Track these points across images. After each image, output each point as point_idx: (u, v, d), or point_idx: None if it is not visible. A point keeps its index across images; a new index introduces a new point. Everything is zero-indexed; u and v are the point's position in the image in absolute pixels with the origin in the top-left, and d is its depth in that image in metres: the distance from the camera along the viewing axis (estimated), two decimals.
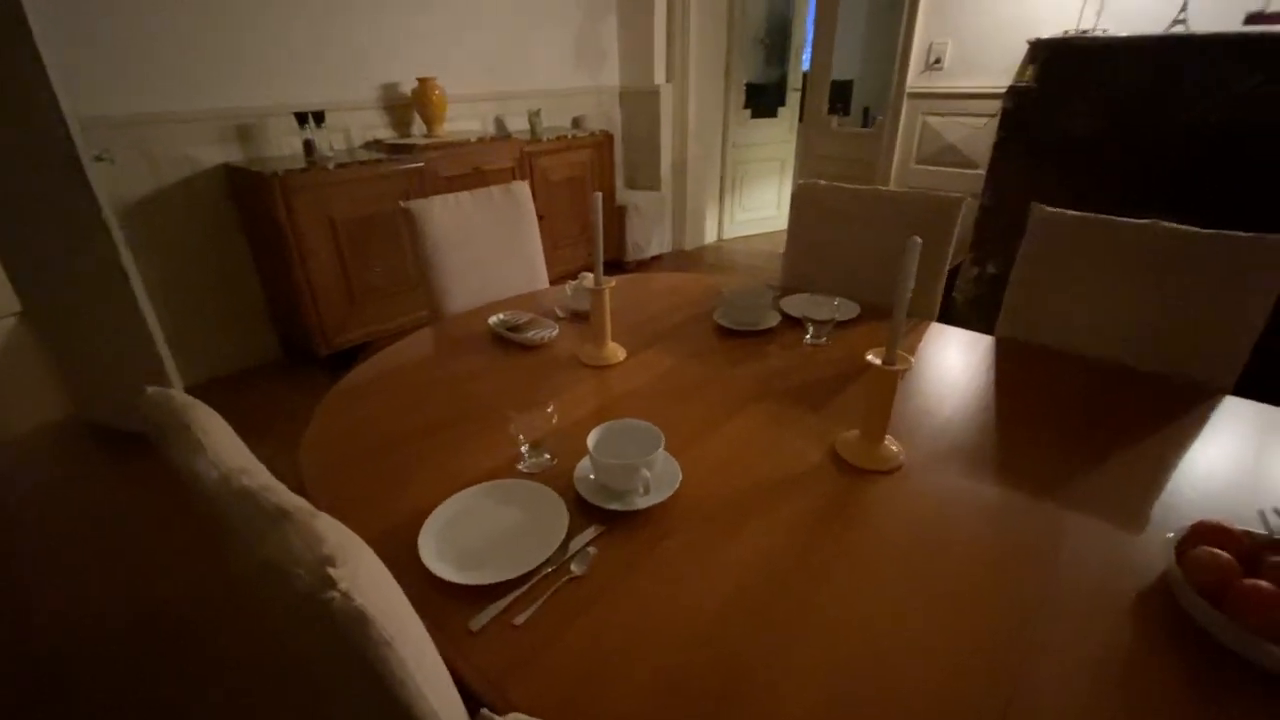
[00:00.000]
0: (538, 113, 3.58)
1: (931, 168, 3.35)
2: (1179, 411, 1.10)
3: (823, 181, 1.65)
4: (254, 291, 2.86)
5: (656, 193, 4.28)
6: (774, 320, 1.45)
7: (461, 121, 3.43)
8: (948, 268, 1.52)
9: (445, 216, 1.60)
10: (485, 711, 0.34)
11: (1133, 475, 0.94)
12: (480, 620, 0.70)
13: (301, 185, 2.46)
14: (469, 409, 1.14)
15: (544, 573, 0.76)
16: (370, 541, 0.49)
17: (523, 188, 1.78)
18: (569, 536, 0.81)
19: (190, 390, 2.34)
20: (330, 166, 2.55)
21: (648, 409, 1.13)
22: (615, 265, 4.13)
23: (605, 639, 0.69)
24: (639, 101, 4.20)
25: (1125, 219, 1.27)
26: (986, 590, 0.75)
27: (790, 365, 1.29)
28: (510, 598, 0.73)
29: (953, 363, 1.30)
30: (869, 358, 0.94)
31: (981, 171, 3.18)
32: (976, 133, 3.13)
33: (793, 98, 4.70)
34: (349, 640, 0.42)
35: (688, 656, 0.66)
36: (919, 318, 1.51)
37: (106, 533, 1.92)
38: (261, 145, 2.72)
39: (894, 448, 0.98)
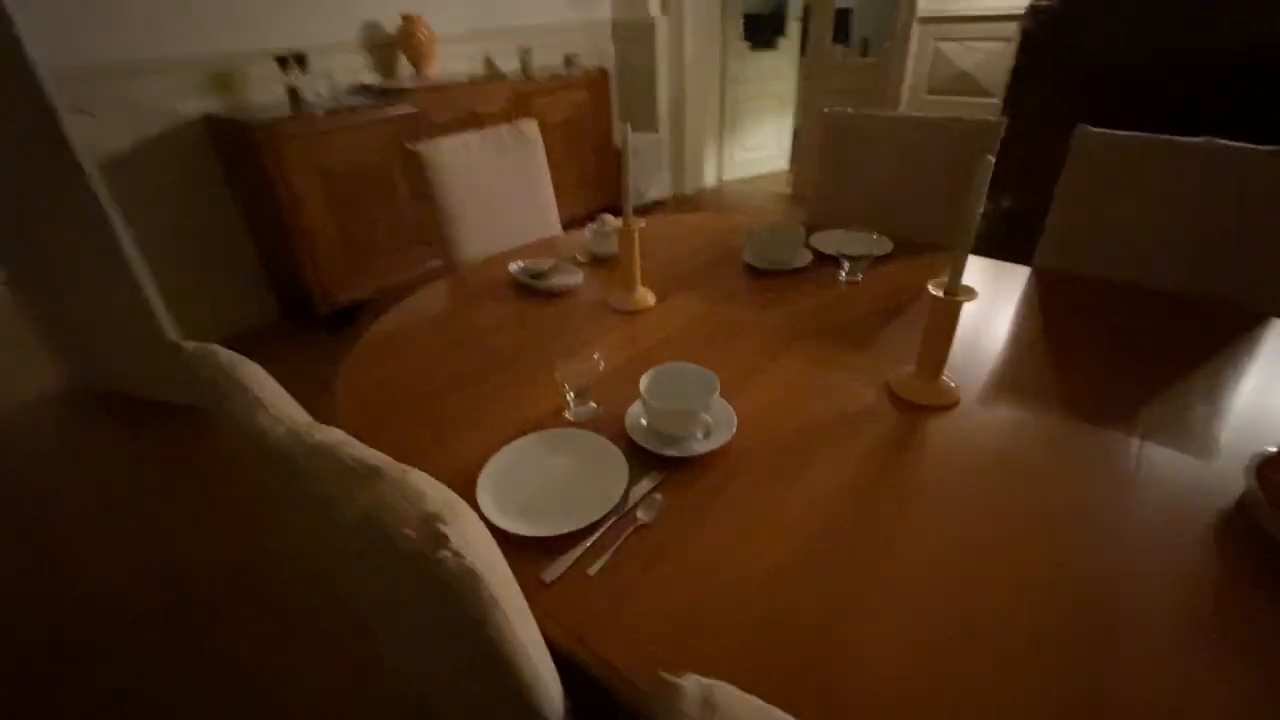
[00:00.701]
0: (529, 51, 3.40)
1: (944, 97, 3.23)
2: (1231, 336, 1.08)
3: (851, 109, 1.57)
4: (247, 250, 2.76)
5: (654, 134, 4.13)
6: (806, 259, 1.40)
7: (449, 63, 3.25)
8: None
9: (455, 159, 1.52)
10: (662, 673, 0.31)
11: (1194, 402, 0.92)
12: (554, 572, 0.68)
13: (290, 135, 2.33)
14: (502, 360, 1.09)
15: (610, 521, 0.74)
16: None
17: (532, 126, 1.69)
18: (629, 484, 0.78)
19: None
20: (319, 114, 2.41)
21: (686, 354, 1.09)
22: (615, 211, 4.01)
23: (683, 588, 0.66)
24: (632, 35, 3.99)
25: (1177, 138, 1.22)
26: (1062, 521, 0.73)
27: (828, 304, 1.25)
28: (581, 548, 0.71)
29: (995, 294, 1.26)
30: (930, 288, 0.90)
31: (997, 100, 3.07)
32: (992, 58, 3.00)
33: (793, 28, 4.49)
34: (462, 600, 0.39)
35: (771, 605, 0.64)
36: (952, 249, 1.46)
37: (120, 504, 1.89)
38: (244, 93, 2.57)
39: (951, 383, 0.95)
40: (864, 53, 4.22)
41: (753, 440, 0.87)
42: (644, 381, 0.86)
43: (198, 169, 2.52)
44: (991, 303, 1.23)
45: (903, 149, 1.52)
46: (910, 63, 3.24)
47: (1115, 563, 0.67)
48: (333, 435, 0.48)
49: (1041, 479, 0.79)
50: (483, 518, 0.72)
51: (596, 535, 0.72)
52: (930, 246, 1.47)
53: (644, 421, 0.89)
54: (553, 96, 3.35)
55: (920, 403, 0.93)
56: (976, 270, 1.37)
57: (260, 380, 0.55)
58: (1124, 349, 1.06)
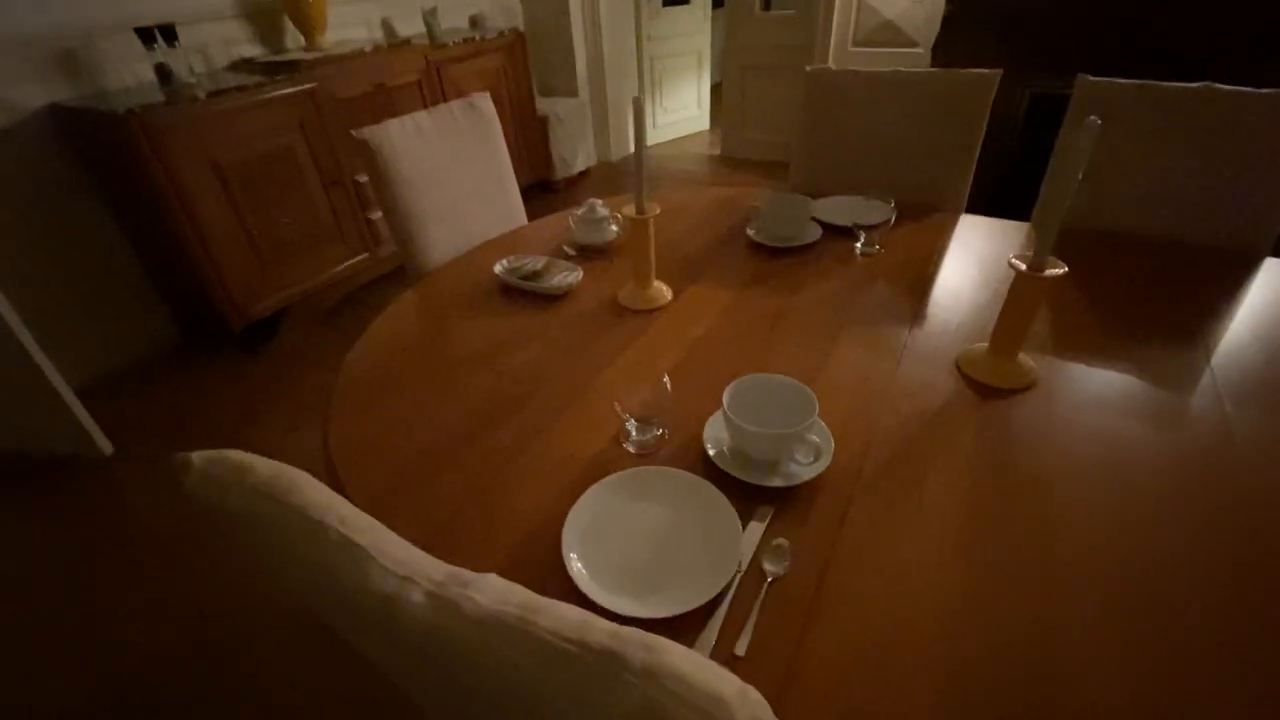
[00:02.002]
0: (433, 11, 3.06)
1: (870, 49, 3.21)
2: (1241, 282, 1.09)
3: (835, 67, 1.47)
4: (128, 264, 2.34)
5: (575, 99, 3.89)
6: (817, 233, 1.30)
7: (344, 29, 2.87)
8: (978, 154, 1.42)
9: (407, 145, 1.29)
10: None
11: (1257, 355, 0.91)
12: None
13: (168, 123, 1.96)
14: (524, 385, 0.94)
15: (736, 581, 0.63)
16: (503, 571, 0.33)
17: (485, 99, 1.48)
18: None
19: (80, 396, 1.92)
20: (200, 96, 2.04)
21: (732, 355, 0.98)
22: (542, 186, 3.78)
23: (851, 650, 0.57)
24: None
25: (1176, 83, 1.21)
26: (1198, 493, 0.69)
27: (856, 281, 1.17)
28: (716, 624, 0.59)
29: (996, 252, 1.22)
30: (1013, 262, 0.83)
31: (922, 50, 3.09)
32: (915, 6, 3.00)
33: None
34: None
35: (958, 646, 0.56)
36: (946, 210, 1.42)
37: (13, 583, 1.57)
38: (98, 76, 2.13)
39: (1029, 361, 0.90)
40: (766, 5, 4.13)
41: (849, 450, 0.78)
42: (727, 400, 0.74)
43: (49, 173, 2.08)
44: (1003, 262, 1.19)
45: (892, 107, 1.45)
46: (837, 14, 3.19)
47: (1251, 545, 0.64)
48: (490, 587, 0.33)
49: (1153, 458, 0.75)
50: (591, 604, 0.59)
51: (727, 603, 0.61)
52: (928, 208, 1.42)
53: (725, 448, 0.77)
54: (467, 63, 3.04)
55: (1000, 385, 0.87)
56: (977, 231, 1.33)
57: (337, 508, 0.38)
58: (1159, 300, 1.05)
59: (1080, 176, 0.74)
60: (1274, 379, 0.86)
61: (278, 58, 2.50)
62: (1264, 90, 1.14)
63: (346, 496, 0.75)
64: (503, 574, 0.63)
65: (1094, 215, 1.30)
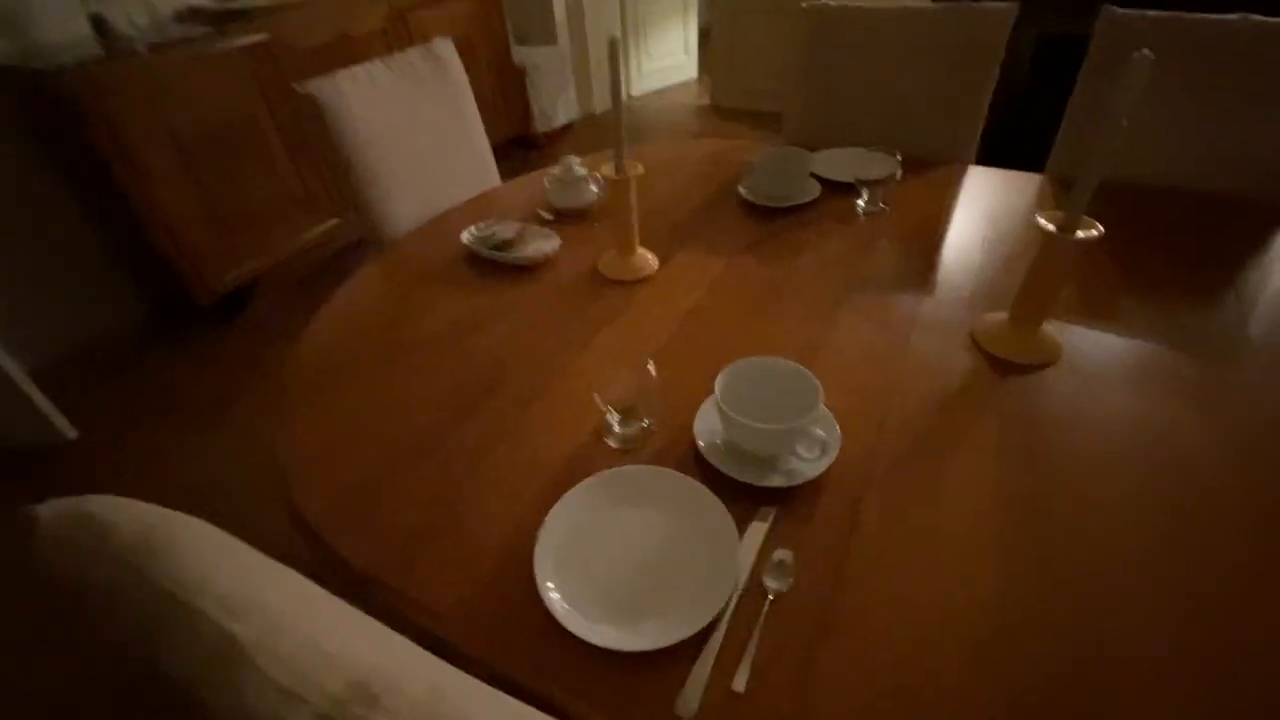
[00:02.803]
0: None
1: None
2: (1271, 238, 1.01)
3: (835, 2, 1.34)
4: (89, 239, 2.20)
5: (554, 47, 3.67)
6: (815, 190, 1.20)
7: None
8: (989, 99, 1.30)
9: (361, 101, 1.16)
10: None
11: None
12: (690, 701, 0.49)
13: (112, 82, 1.79)
14: (496, 371, 0.84)
15: (733, 602, 0.55)
16: (472, 599, 0.25)
17: (447, 45, 1.34)
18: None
19: (38, 379, 1.81)
20: (141, 49, 1.87)
21: (721, 332, 0.88)
22: (522, 142, 3.59)
23: (866, 680, 0.49)
24: None
25: (1209, 15, 1.09)
26: (1243, 467, 0.61)
27: (858, 243, 1.07)
28: (711, 656, 0.51)
29: (1014, 210, 1.12)
30: (1040, 222, 0.73)
31: None
32: None
33: None
34: None
35: (991, 666, 0.49)
36: (954, 162, 1.31)
37: None
38: (27, 30, 1.94)
39: (1054, 334, 0.81)
40: None
41: (858, 440, 0.70)
42: (720, 390, 0.66)
43: None
44: (1019, 220, 1.09)
45: (896, 47, 1.32)
46: None
47: None
48: (409, 702, 0.25)
49: (1197, 434, 0.67)
50: (571, 636, 0.51)
51: (723, 629, 0.53)
52: (934, 160, 1.30)
53: (719, 441, 0.69)
54: (436, 8, 2.83)
55: (1021, 361, 0.79)
56: (989, 183, 1.22)
57: (219, 581, 0.29)
58: (1190, 259, 0.96)
59: (1124, 123, 0.63)
60: None
61: (228, 5, 2.30)
62: None
63: (295, 512, 0.67)
64: (472, 601, 0.56)
65: (1114, 165, 1.19)
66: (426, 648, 0.35)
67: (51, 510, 0.32)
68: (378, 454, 0.73)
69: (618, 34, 4.06)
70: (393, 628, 0.35)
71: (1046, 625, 0.52)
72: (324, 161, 2.44)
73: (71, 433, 1.82)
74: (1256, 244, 0.99)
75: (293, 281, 2.52)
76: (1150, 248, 0.99)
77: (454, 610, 0.56)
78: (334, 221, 2.54)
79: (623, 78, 3.95)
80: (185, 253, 2.08)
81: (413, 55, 1.27)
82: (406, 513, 0.66)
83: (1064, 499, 0.62)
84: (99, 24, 1.92)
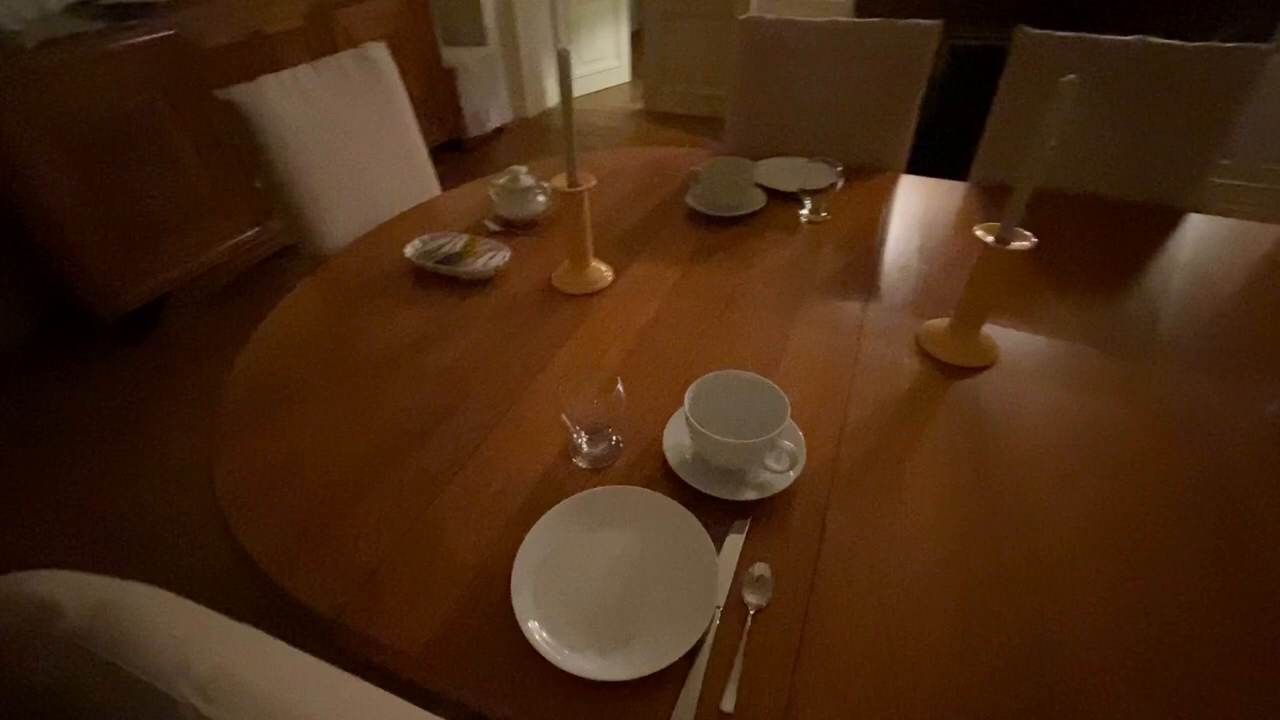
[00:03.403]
0: None
1: None
2: (1175, 239, 1.11)
3: (770, 15, 1.37)
4: None
5: (484, 49, 3.59)
6: (761, 200, 1.22)
7: None
8: (918, 107, 1.36)
9: (289, 106, 1.09)
10: None
11: (1227, 320, 0.91)
12: None
13: None
14: (451, 393, 0.81)
15: (715, 622, 0.55)
16: (446, 637, 0.24)
17: (380, 50, 1.28)
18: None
19: None
20: (29, 46, 1.70)
21: (681, 343, 0.89)
22: (454, 146, 3.49)
23: (852, 687, 0.51)
24: None
25: (1113, 37, 1.18)
26: (1180, 466, 0.67)
27: (804, 252, 1.10)
28: (699, 676, 0.51)
29: (941, 215, 1.19)
30: (978, 234, 0.77)
31: None
32: None
33: None
34: None
35: (963, 671, 0.51)
36: (885, 170, 1.37)
37: None
38: None
39: (991, 337, 0.86)
40: None
41: (820, 449, 0.71)
42: (690, 406, 0.66)
43: None
44: (952, 227, 1.15)
45: (829, 60, 1.36)
46: None
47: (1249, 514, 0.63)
48: None
49: (1123, 423, 0.73)
50: (554, 669, 0.50)
51: (708, 649, 0.53)
52: (869, 168, 1.36)
53: (688, 457, 0.69)
54: (359, 6, 2.71)
55: (964, 364, 0.83)
56: (919, 191, 1.29)
57: (199, 660, 0.27)
58: (1096, 261, 1.04)
59: (1053, 142, 0.68)
60: (1222, 338, 0.87)
61: None
62: (1194, 44, 1.13)
63: (244, 551, 0.63)
64: (446, 638, 0.54)
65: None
66: (400, 691, 0.33)
67: None
68: (327, 484, 0.69)
69: (549, 35, 4.03)
70: (358, 672, 0.33)
71: (1007, 622, 0.55)
72: (240, 168, 2.30)
73: None
74: (1157, 247, 1.09)
75: (208, 295, 2.35)
76: (1066, 252, 1.07)
77: (428, 651, 0.54)
78: (253, 231, 2.38)
79: (552, 81, 3.89)
80: (84, 266, 1.90)
81: (343, 59, 1.21)
82: (364, 547, 0.63)
83: (1012, 491, 0.66)
84: None
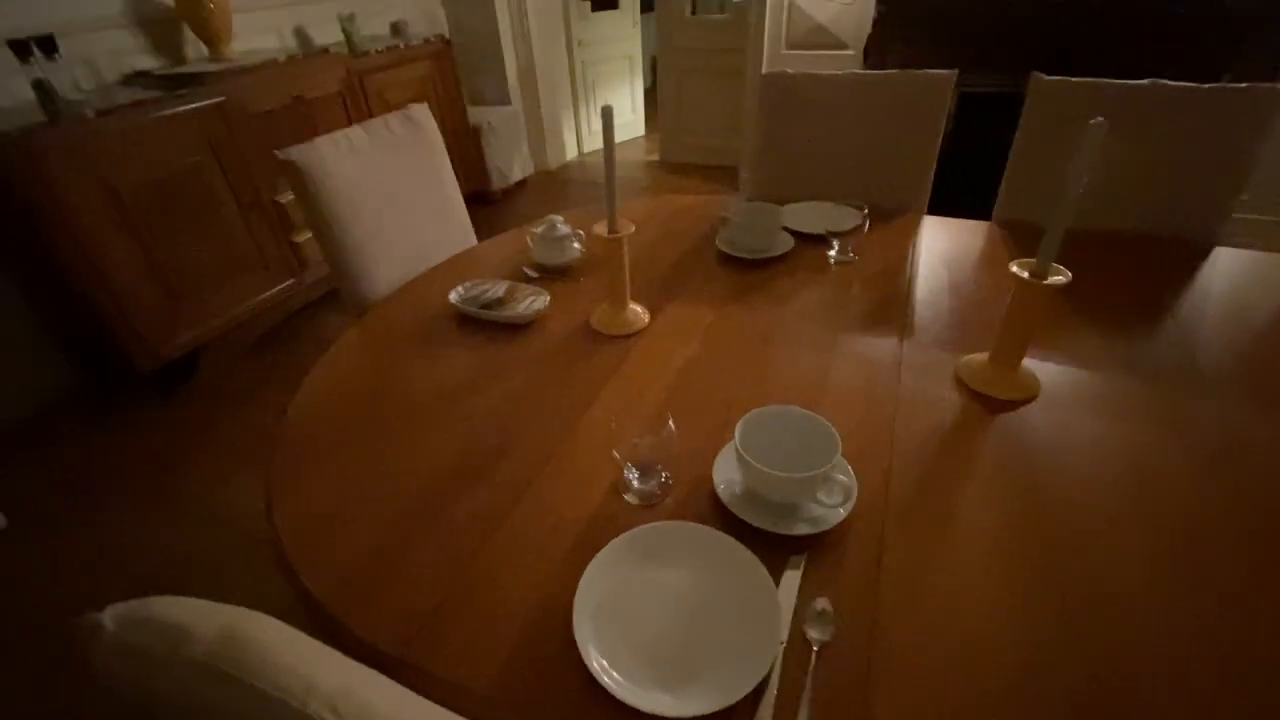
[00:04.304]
0: (351, 18, 2.87)
1: (802, 52, 3.23)
2: (1202, 272, 1.12)
3: (790, 70, 1.44)
4: (11, 307, 2.06)
5: (508, 107, 3.76)
6: (789, 243, 1.25)
7: (253, 38, 2.65)
8: (938, 152, 1.41)
9: (342, 166, 1.16)
10: None
11: (1266, 350, 0.91)
12: None
13: (53, 146, 1.73)
14: (501, 434, 0.83)
15: (778, 656, 0.55)
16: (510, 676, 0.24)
17: (422, 110, 1.36)
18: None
19: None
20: (88, 114, 1.81)
21: (723, 381, 0.90)
22: (479, 198, 3.62)
23: (923, 716, 0.50)
24: None
25: (1126, 81, 1.22)
26: (1215, 499, 0.66)
27: (835, 290, 1.12)
28: (767, 714, 0.51)
29: (969, 253, 1.21)
30: (1014, 270, 0.79)
31: (853, 52, 3.14)
32: (846, 10, 3.04)
33: None
34: None
35: (1032, 705, 0.50)
36: (907, 212, 1.40)
37: None
38: None
39: (1033, 371, 0.87)
40: (709, 10, 4.14)
41: (870, 482, 0.72)
42: (740, 441, 0.67)
43: None
44: (980, 264, 1.17)
45: (850, 109, 1.42)
46: (769, 18, 3.20)
47: None
48: None
49: (1170, 456, 0.73)
50: (620, 704, 0.50)
51: (775, 685, 0.53)
52: (890, 211, 1.39)
53: (738, 490, 0.70)
54: (392, 72, 2.87)
55: (1006, 397, 0.84)
56: (944, 231, 1.31)
57: (323, 677, 0.28)
58: (1128, 294, 1.05)
59: (1085, 180, 0.70)
60: (1262, 368, 0.87)
61: (179, 70, 2.28)
62: (1207, 85, 1.17)
63: (306, 591, 0.64)
64: (509, 673, 0.54)
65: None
66: None
67: (117, 617, 0.30)
68: (383, 525, 0.71)
69: (568, 94, 4.21)
70: None
71: (1073, 650, 0.54)
72: (279, 222, 2.40)
73: (1, 520, 1.66)
74: (1187, 280, 1.10)
75: (243, 346, 2.42)
76: (1099, 286, 1.08)
77: (493, 689, 0.54)
78: (288, 283, 2.47)
79: (581, 137, 4.06)
80: (129, 318, 1.98)
81: (391, 120, 1.28)
82: (423, 586, 0.64)
83: (1066, 523, 0.66)
84: (41, 89, 1.86)
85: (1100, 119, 0.67)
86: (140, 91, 2.05)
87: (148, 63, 2.33)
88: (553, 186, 4.00)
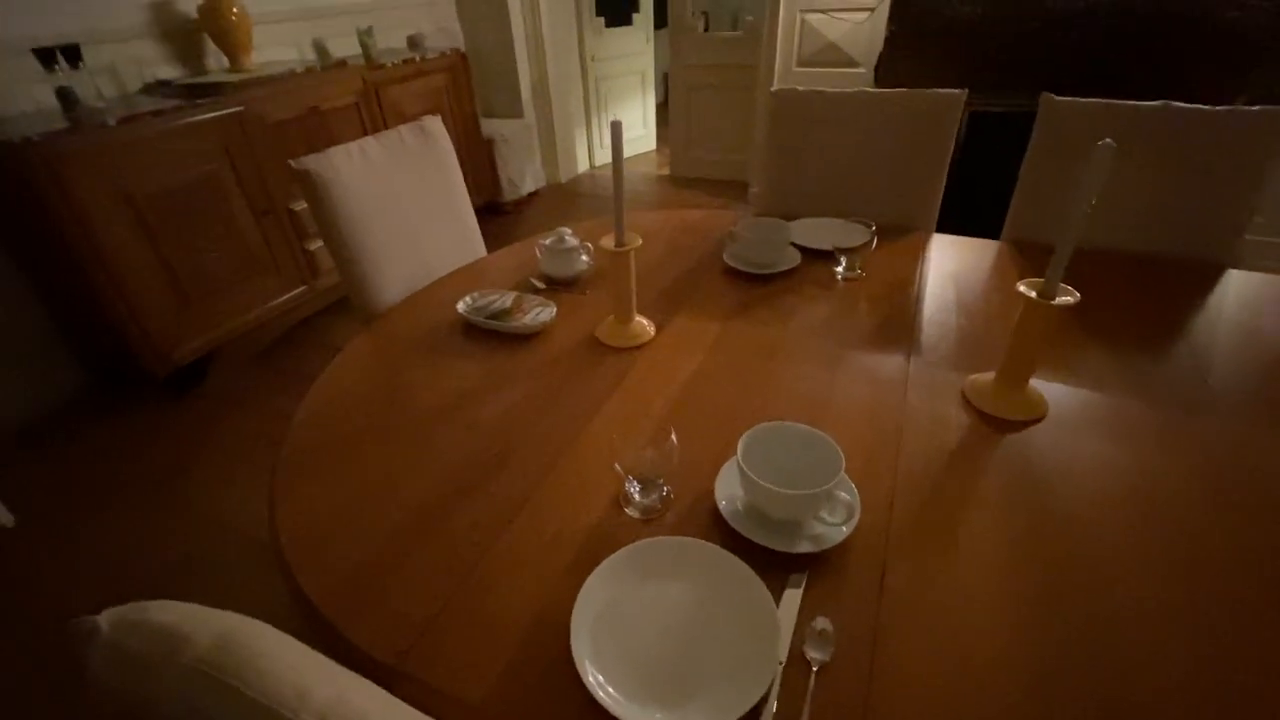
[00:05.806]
0: (369, 31, 2.92)
1: (814, 69, 3.26)
2: (1213, 293, 1.11)
3: (800, 87, 1.44)
4: (27, 309, 2.09)
5: (521, 120, 3.80)
6: (796, 258, 1.25)
7: (272, 49, 2.70)
8: (946, 171, 1.41)
9: (354, 176, 1.17)
10: None
11: (1248, 365, 0.90)
12: None
13: (73, 152, 1.76)
14: (503, 444, 0.83)
15: (778, 676, 0.54)
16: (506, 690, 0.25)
17: (435, 122, 1.37)
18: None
19: None
20: (109, 122, 1.85)
21: (727, 395, 0.90)
22: (491, 209, 3.65)
23: None
24: (482, 12, 3.61)
25: (1136, 102, 1.22)
26: (1231, 510, 0.65)
27: (842, 307, 1.12)
28: None
29: (977, 272, 1.21)
30: (1022, 289, 0.79)
31: (863, 70, 3.15)
32: (857, 28, 3.06)
33: (646, 2, 4.34)
34: None
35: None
36: (915, 230, 1.40)
37: None
38: None
39: (1039, 391, 0.86)
40: (720, 27, 4.18)
41: (873, 501, 0.71)
42: (743, 457, 0.67)
43: None
44: (988, 283, 1.17)
45: (859, 127, 1.42)
46: (780, 35, 3.22)
47: None
48: None
49: (1177, 480, 0.71)
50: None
51: (774, 704, 0.52)
52: (899, 228, 1.39)
53: (740, 506, 0.69)
54: (407, 84, 2.91)
55: (1012, 417, 0.83)
56: (953, 250, 1.31)
57: (318, 686, 0.28)
58: (1137, 315, 1.04)
59: (1093, 201, 0.70)
60: (1271, 391, 0.85)
61: (199, 80, 2.32)
62: (1219, 108, 1.16)
63: (304, 596, 0.64)
64: (505, 686, 0.54)
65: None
66: None
67: (113, 619, 0.30)
68: (384, 532, 0.71)
69: (580, 108, 4.25)
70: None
71: (1069, 672, 0.53)
72: (292, 230, 2.43)
73: (8, 519, 1.68)
74: (1197, 301, 1.09)
75: (252, 352, 2.44)
76: (1108, 307, 1.07)
77: (488, 702, 0.54)
78: (300, 290, 2.49)
79: (593, 150, 4.12)
80: (141, 323, 2.00)
81: (404, 131, 1.30)
82: (422, 595, 0.63)
83: (1069, 546, 0.65)
84: (64, 96, 1.90)
85: (1109, 141, 0.67)
86: (161, 100, 2.09)
87: (169, 72, 2.38)
88: (563, 199, 4.03)
